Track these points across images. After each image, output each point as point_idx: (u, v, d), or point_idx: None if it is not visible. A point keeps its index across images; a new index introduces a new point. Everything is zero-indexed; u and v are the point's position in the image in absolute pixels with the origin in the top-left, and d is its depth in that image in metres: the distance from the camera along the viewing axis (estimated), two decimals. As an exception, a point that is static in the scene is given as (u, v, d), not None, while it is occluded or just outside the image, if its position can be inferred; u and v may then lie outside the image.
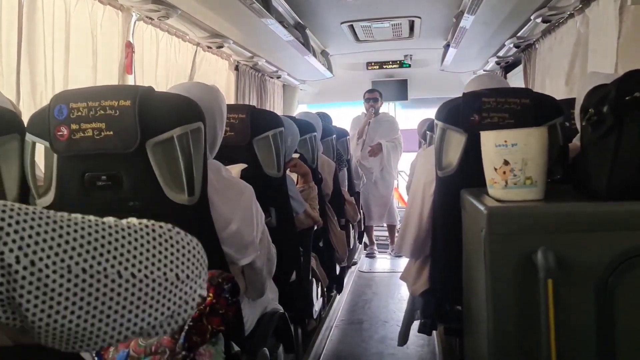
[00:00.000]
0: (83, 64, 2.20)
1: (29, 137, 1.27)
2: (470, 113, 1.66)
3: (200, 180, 1.23)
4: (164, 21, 2.67)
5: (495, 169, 1.36)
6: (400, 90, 5.92)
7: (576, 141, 1.91)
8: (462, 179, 1.65)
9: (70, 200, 1.23)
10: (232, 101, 4.10)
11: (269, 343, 1.58)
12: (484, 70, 5.02)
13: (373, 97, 5.10)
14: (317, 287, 2.56)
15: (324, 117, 4.24)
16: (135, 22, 2.57)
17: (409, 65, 5.59)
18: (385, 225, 5.34)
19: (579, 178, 1.41)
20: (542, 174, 1.33)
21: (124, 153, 1.18)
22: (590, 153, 1.36)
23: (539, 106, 1.63)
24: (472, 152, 1.58)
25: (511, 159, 1.34)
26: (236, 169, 1.83)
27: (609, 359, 1.12)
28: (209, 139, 1.48)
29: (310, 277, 2.37)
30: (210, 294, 1.12)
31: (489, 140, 1.38)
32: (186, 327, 1.04)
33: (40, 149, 1.27)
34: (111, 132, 1.16)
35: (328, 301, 3.09)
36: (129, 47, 2.53)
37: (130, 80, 2.59)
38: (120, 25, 2.44)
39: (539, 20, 2.92)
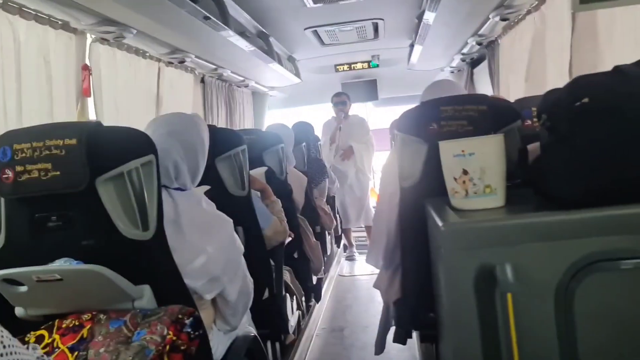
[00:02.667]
0: (37, 92, 2.14)
1: (-26, 181, 1.23)
2: (429, 122, 1.66)
3: (154, 214, 1.20)
4: (120, 41, 2.63)
5: (455, 179, 1.36)
6: (370, 91, 5.94)
7: (537, 142, 1.93)
8: (425, 189, 1.65)
9: (21, 243, 1.20)
10: (200, 115, 4.05)
11: (241, 368, 1.56)
12: (450, 67, 5.06)
13: (341, 101, 5.11)
14: (292, 301, 2.54)
15: (304, 126, 4.22)
16: (90, 44, 2.52)
17: (377, 65, 5.60)
18: (363, 226, 5.35)
19: (538, 183, 1.42)
20: (501, 181, 1.33)
21: (74, 192, 1.15)
22: (547, 158, 1.36)
23: (496, 112, 1.64)
24: (434, 162, 1.58)
25: (470, 168, 1.34)
26: (199, 190, 1.80)
27: (572, 364, 1.12)
28: (191, 170, 1.49)
29: (284, 293, 2.35)
30: (170, 332, 1.10)
31: (447, 150, 1.38)
32: (144, 371, 1.02)
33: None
34: (58, 172, 1.13)
35: (307, 312, 3.08)
36: (86, 69, 2.48)
37: (89, 103, 2.54)
38: (75, 48, 2.39)
39: (497, 18, 2.95)
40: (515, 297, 1.08)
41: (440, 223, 1.19)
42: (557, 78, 2.44)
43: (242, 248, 1.59)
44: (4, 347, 0.59)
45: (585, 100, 1.18)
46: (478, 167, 1.33)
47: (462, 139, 1.37)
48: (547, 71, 2.63)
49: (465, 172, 1.35)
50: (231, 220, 1.53)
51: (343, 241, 5.28)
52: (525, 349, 1.09)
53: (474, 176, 1.33)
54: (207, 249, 1.37)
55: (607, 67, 1.27)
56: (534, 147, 1.77)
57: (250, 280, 1.65)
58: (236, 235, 1.56)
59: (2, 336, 0.60)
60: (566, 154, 1.22)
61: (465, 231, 1.15)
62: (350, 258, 5.22)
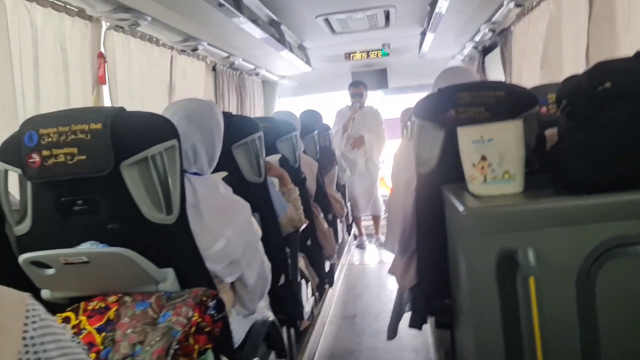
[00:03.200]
0: (54, 79, 2.16)
1: (0, 165, 1.24)
2: (447, 108, 1.66)
3: (177, 198, 1.21)
4: (135, 29, 2.63)
5: (474, 165, 1.37)
6: (380, 79, 5.92)
7: (554, 129, 1.92)
8: (442, 175, 1.66)
9: (47, 226, 1.22)
10: (211, 103, 4.06)
11: (260, 351, 1.58)
12: (461, 55, 5.03)
13: (359, 93, 5.08)
14: (307, 287, 2.56)
15: (313, 115, 4.23)
16: (105, 32, 2.53)
17: (388, 54, 5.57)
18: (370, 215, 5.36)
19: (556, 169, 1.42)
20: (519, 167, 1.34)
21: (99, 176, 1.16)
22: (566, 143, 1.36)
23: (513, 98, 1.64)
24: (451, 148, 1.58)
25: (488, 154, 1.34)
26: (216, 177, 1.82)
27: (592, 348, 1.13)
28: (208, 153, 1.51)
29: (299, 279, 2.37)
30: (196, 314, 1.12)
31: (466, 136, 1.38)
32: (172, 351, 1.03)
33: (14, 176, 1.25)
34: (84, 157, 1.15)
35: (320, 297, 3.10)
36: (101, 57, 2.49)
37: (104, 91, 2.56)
38: (90, 36, 2.40)
39: (511, 5, 2.93)
40: (537, 281, 1.08)
41: (461, 208, 1.19)
42: (574, 65, 2.43)
43: (260, 232, 1.60)
44: (41, 319, 0.61)
45: (607, 85, 1.18)
46: (497, 152, 1.33)
47: (480, 124, 1.37)
48: (564, 58, 2.61)
49: (483, 158, 1.35)
50: (248, 205, 1.54)
51: (353, 230, 5.30)
52: (546, 333, 1.10)
53: (493, 162, 1.34)
54: (226, 233, 1.38)
55: (625, 53, 1.27)
56: (550, 134, 1.76)
57: (267, 265, 1.66)
58: (254, 220, 1.57)
59: (39, 309, 0.62)
60: (586, 139, 1.22)
61: (486, 216, 1.15)
62: (361, 246, 5.24)
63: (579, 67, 2.32)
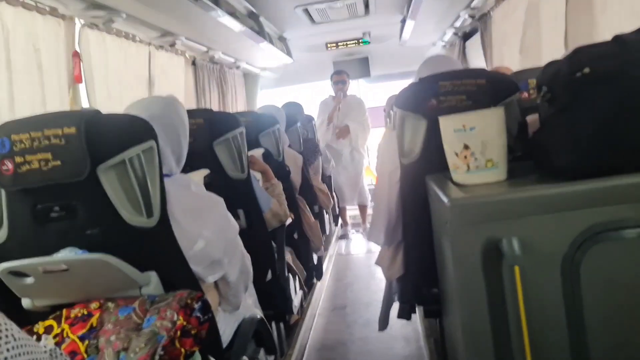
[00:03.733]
0: (28, 80, 2.11)
1: (-27, 173, 1.21)
2: (429, 98, 1.65)
3: (158, 200, 1.19)
4: (110, 25, 2.58)
5: (457, 154, 1.36)
6: (362, 68, 5.91)
7: (535, 114, 1.92)
8: (426, 165, 1.65)
9: (24, 234, 1.19)
10: (192, 98, 4.02)
11: (249, 349, 1.58)
12: (442, 42, 5.02)
13: (341, 80, 5.06)
14: (295, 281, 2.56)
15: (295, 107, 4.20)
16: (80, 30, 2.48)
17: (369, 42, 5.55)
18: (357, 205, 5.36)
19: (539, 155, 1.42)
20: (502, 154, 1.33)
21: (76, 181, 1.13)
22: (548, 130, 1.36)
23: (494, 85, 1.63)
24: (434, 137, 1.57)
25: (471, 143, 1.33)
26: (199, 175, 1.79)
27: (578, 334, 1.14)
28: (175, 152, 1.47)
29: (286, 273, 2.36)
30: (180, 317, 1.10)
31: (448, 125, 1.37)
32: (157, 357, 1.02)
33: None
34: (59, 162, 1.12)
35: (309, 291, 3.10)
36: (76, 56, 2.44)
37: (81, 90, 2.51)
38: (64, 34, 2.35)
39: (490, -10, 2.92)
40: (522, 270, 1.08)
41: (445, 199, 1.19)
42: (553, 50, 2.43)
43: (237, 226, 1.57)
44: (15, 339, 0.59)
45: (586, 70, 1.17)
46: (479, 141, 1.33)
47: (462, 113, 1.36)
48: (543, 43, 2.62)
49: (466, 147, 1.35)
50: (222, 199, 1.50)
51: (340, 220, 5.30)
52: (533, 321, 1.10)
53: (475, 150, 1.33)
54: (204, 233, 1.36)
55: (603, 37, 1.26)
56: (532, 120, 1.77)
57: (248, 258, 1.64)
58: (229, 214, 1.54)
59: (12, 329, 0.60)
60: (567, 125, 1.22)
61: (470, 206, 1.15)
62: (345, 236, 5.24)
63: (558, 51, 2.32)
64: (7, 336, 0.58)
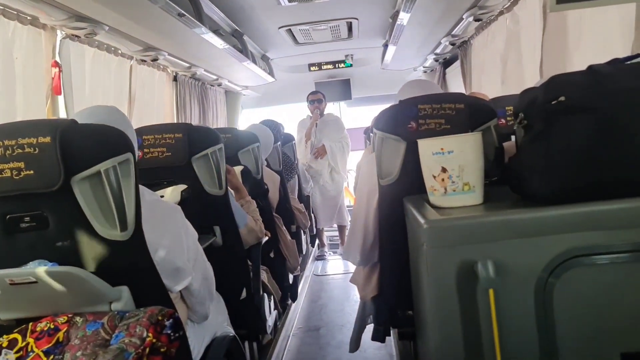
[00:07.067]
0: (4, 89, 2.07)
1: (-58, 181, 1.18)
2: (408, 120, 1.67)
3: (132, 213, 1.17)
4: (92, 37, 2.56)
5: (434, 177, 1.38)
6: (344, 90, 5.95)
7: (512, 141, 1.96)
8: (404, 187, 1.66)
9: (-7, 244, 1.16)
10: (173, 114, 4.00)
11: (220, 369, 1.54)
12: (423, 67, 5.11)
13: (317, 99, 5.11)
14: (270, 300, 2.53)
15: (274, 126, 4.19)
16: (61, 41, 2.46)
17: (351, 65, 5.61)
18: (336, 225, 5.35)
19: (514, 180, 1.44)
20: (479, 178, 1.35)
21: (48, 192, 1.11)
22: (524, 155, 1.38)
23: (473, 110, 1.66)
24: (412, 160, 1.59)
25: (448, 166, 1.35)
26: (176, 190, 1.78)
27: (551, 356, 1.14)
28: None
29: (261, 292, 2.34)
30: (150, 334, 1.07)
31: (426, 148, 1.39)
32: (125, 375, 0.99)
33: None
34: (31, 171, 1.09)
35: (283, 312, 3.07)
36: (56, 66, 2.41)
37: (60, 102, 2.47)
38: (44, 45, 2.32)
39: (470, 19, 2.99)
40: (496, 292, 1.09)
41: (422, 220, 1.19)
42: (531, 78, 2.49)
43: (196, 234, 1.54)
44: None
45: (562, 98, 1.20)
46: (457, 164, 1.34)
47: (441, 137, 1.38)
48: (525, 71, 2.68)
49: (444, 170, 1.36)
50: (179, 207, 1.48)
51: (317, 241, 5.28)
52: (506, 343, 1.11)
53: (453, 174, 1.35)
54: (163, 242, 1.33)
55: (576, 67, 1.30)
56: (508, 145, 1.80)
57: (209, 265, 1.62)
58: (187, 221, 1.51)
59: None
60: (542, 152, 1.24)
61: (446, 229, 1.16)
62: (321, 257, 5.21)
63: (535, 79, 2.37)
64: None
